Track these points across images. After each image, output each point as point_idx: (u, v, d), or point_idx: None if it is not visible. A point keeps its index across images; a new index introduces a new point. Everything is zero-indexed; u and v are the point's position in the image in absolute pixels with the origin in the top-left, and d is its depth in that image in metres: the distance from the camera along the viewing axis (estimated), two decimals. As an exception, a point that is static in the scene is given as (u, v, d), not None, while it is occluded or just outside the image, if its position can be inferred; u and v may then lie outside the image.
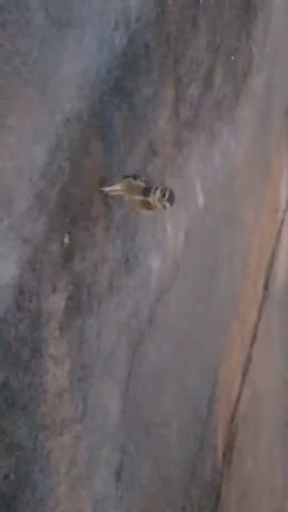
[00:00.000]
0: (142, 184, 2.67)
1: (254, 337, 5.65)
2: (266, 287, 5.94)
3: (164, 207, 2.67)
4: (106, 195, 2.77)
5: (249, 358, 5.52)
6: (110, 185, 2.75)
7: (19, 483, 2.36)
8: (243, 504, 5.73)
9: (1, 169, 2.13)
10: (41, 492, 2.50)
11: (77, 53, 2.49)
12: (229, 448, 5.14)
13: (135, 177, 2.73)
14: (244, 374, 5.43)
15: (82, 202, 2.63)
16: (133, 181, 2.70)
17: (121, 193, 2.73)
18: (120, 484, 3.20)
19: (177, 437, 4.03)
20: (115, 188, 2.74)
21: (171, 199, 2.65)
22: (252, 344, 5.58)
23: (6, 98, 2.11)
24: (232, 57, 4.24)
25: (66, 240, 2.52)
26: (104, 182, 2.75)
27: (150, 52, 3.08)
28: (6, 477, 2.28)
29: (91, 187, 2.69)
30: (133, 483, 3.35)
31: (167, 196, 2.64)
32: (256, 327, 5.70)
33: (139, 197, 2.68)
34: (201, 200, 4.04)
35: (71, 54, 2.45)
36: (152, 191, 2.64)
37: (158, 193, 2.64)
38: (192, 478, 4.33)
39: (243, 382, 5.39)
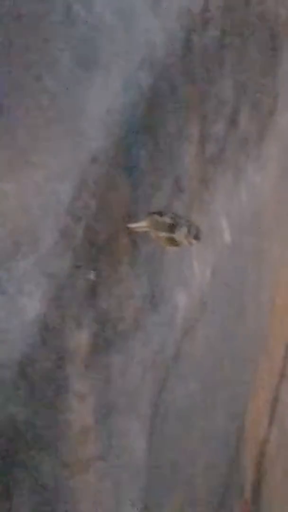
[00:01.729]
0: (168, 221, 2.68)
1: (283, 375, 5.58)
2: (294, 325, 5.89)
3: (190, 243, 2.68)
4: (132, 232, 2.78)
5: (277, 397, 5.46)
6: (136, 221, 2.77)
7: (43, 522, 2.35)
8: None
9: (27, 205, 2.16)
10: (65, 531, 2.48)
11: (102, 92, 2.53)
12: (257, 488, 5.06)
13: (161, 213, 2.74)
14: (272, 413, 5.36)
15: (108, 238, 2.65)
16: (159, 218, 2.71)
17: (147, 229, 2.75)
18: (145, 525, 3.16)
19: (203, 477, 3.98)
20: (141, 225, 2.76)
21: (197, 236, 2.66)
22: (280, 382, 5.52)
23: (33, 136, 2.15)
24: (258, 95, 4.26)
25: (91, 276, 2.53)
26: (130, 218, 2.77)
27: (176, 91, 3.11)
28: (30, 515, 2.28)
29: (117, 224, 2.71)
30: (158, 524, 3.31)
31: (193, 232, 2.65)
32: (284, 365, 5.64)
33: (165, 234, 2.69)
34: (227, 236, 4.04)
35: (97, 93, 2.49)
36: (178, 227, 2.65)
37: (184, 229, 2.65)
38: (219, 520, 4.27)
39: (271, 421, 5.32)
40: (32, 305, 2.20)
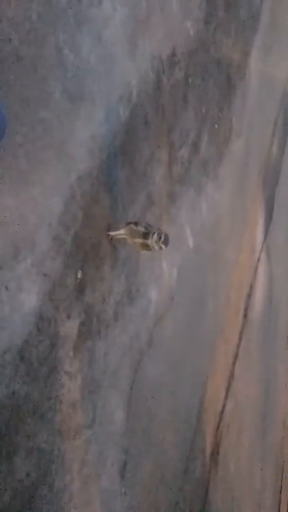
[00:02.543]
0: (142, 229, 2.68)
1: (236, 356, 5.61)
2: (245, 315, 5.91)
3: (161, 248, 2.68)
4: (112, 238, 2.77)
5: (232, 374, 5.47)
6: (115, 229, 2.76)
7: (39, 481, 2.32)
8: (228, 497, 5.63)
9: (26, 216, 2.14)
10: (57, 488, 2.46)
11: (88, 121, 2.52)
12: (215, 450, 5.07)
13: (136, 223, 2.74)
14: (228, 387, 5.38)
15: (92, 244, 2.63)
16: (134, 227, 2.71)
17: (124, 236, 2.74)
18: (124, 482, 3.15)
19: (172, 441, 3.98)
20: (120, 233, 2.75)
21: (166, 242, 2.66)
22: (234, 362, 5.54)
23: (31, 159, 2.13)
24: (216, 126, 4.28)
25: (79, 275, 2.52)
26: (110, 227, 2.76)
27: (148, 121, 3.11)
28: (27, 475, 2.25)
29: (100, 232, 2.70)
30: (135, 481, 3.29)
31: (163, 239, 2.65)
32: (237, 348, 5.66)
33: (139, 240, 2.68)
34: (191, 242, 4.05)
35: (83, 122, 2.48)
36: (151, 235, 2.64)
37: (155, 236, 2.64)
38: (184, 476, 4.26)
39: (227, 394, 5.33)
40: (30, 299, 2.19)
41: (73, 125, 2.39)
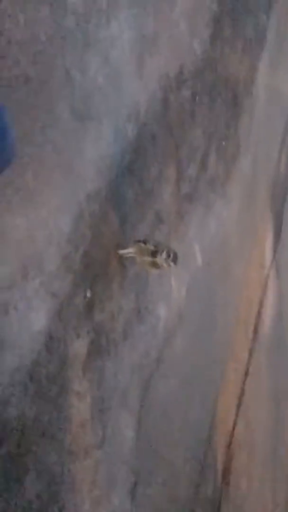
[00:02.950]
0: (151, 248, 2.68)
1: (246, 374, 5.57)
2: (255, 332, 5.88)
3: (170, 266, 2.68)
4: (121, 257, 2.77)
5: (242, 392, 5.43)
6: (124, 248, 2.76)
7: (49, 502, 2.30)
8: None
9: (34, 236, 2.15)
10: (67, 509, 2.43)
11: (96, 141, 2.53)
12: (227, 470, 5.02)
13: (145, 241, 2.74)
14: (239, 405, 5.34)
15: (101, 262, 2.64)
16: (143, 245, 2.71)
17: (133, 255, 2.74)
18: (134, 502, 3.11)
19: (182, 460, 3.94)
20: (129, 251, 2.75)
21: (175, 260, 2.66)
22: (244, 380, 5.50)
23: (40, 178, 2.14)
24: (223, 143, 4.29)
25: (88, 294, 2.51)
26: (119, 245, 2.76)
27: (156, 140, 3.13)
28: (38, 496, 2.23)
29: (109, 250, 2.70)
30: (145, 501, 3.26)
31: (172, 257, 2.65)
32: (248, 365, 5.62)
33: (148, 258, 2.68)
34: (199, 259, 4.04)
35: (91, 142, 2.49)
36: (159, 253, 2.64)
37: (164, 254, 2.64)
38: (195, 497, 4.22)
39: (238, 412, 5.29)
40: (39, 318, 2.18)
41: (81, 145, 2.40)
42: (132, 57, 2.80)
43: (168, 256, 2.65)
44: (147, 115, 2.97)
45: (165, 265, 2.66)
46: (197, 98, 3.68)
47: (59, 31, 2.21)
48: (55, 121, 2.23)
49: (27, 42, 2.05)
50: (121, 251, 2.75)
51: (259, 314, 6.08)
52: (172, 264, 2.67)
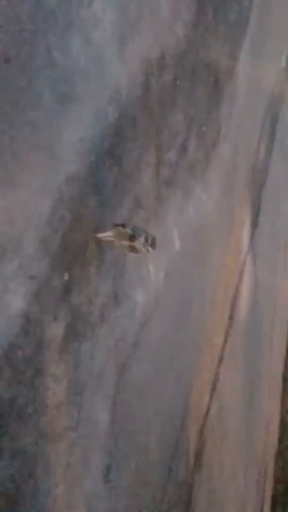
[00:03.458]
0: (129, 232, 2.68)
1: (221, 359, 5.63)
2: (231, 317, 5.94)
3: (148, 251, 2.68)
4: (99, 240, 2.77)
5: (216, 377, 5.49)
6: (103, 232, 2.76)
7: (23, 483, 2.32)
8: (212, 500, 5.65)
9: (13, 218, 2.14)
10: (41, 491, 2.45)
11: (77, 123, 2.52)
12: (199, 453, 5.09)
13: (123, 225, 2.74)
14: (213, 390, 5.40)
15: (79, 246, 2.64)
16: (122, 229, 2.71)
17: (112, 238, 2.74)
18: (108, 484, 3.15)
19: (156, 444, 3.98)
20: (107, 235, 2.75)
21: (153, 245, 2.67)
22: (219, 365, 5.56)
23: (19, 160, 2.13)
24: (204, 128, 4.30)
25: (66, 277, 2.52)
26: (98, 229, 2.76)
27: (137, 124, 3.12)
28: (12, 477, 2.25)
29: (87, 234, 2.70)
30: (119, 483, 3.29)
31: (150, 242, 2.66)
32: (222, 350, 5.68)
33: (126, 242, 2.69)
34: (177, 244, 4.06)
35: (72, 124, 2.48)
36: (138, 237, 2.65)
37: (142, 239, 2.65)
38: (168, 479, 4.27)
39: (211, 396, 5.35)
40: (16, 301, 2.18)
41: (62, 127, 2.39)
42: (114, 38, 2.78)
43: (147, 240, 2.65)
44: (128, 98, 2.96)
45: (143, 249, 2.67)
46: (178, 82, 3.67)
47: (41, 11, 2.18)
48: (36, 102, 2.21)
49: (8, 21, 2.02)
50: (100, 235, 2.75)
51: (235, 299, 6.13)
52: (150, 248, 2.68)
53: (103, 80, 2.71)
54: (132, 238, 2.66)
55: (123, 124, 2.95)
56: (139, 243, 2.65)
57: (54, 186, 2.38)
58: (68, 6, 2.36)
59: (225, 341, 5.73)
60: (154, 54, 3.27)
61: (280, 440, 10.51)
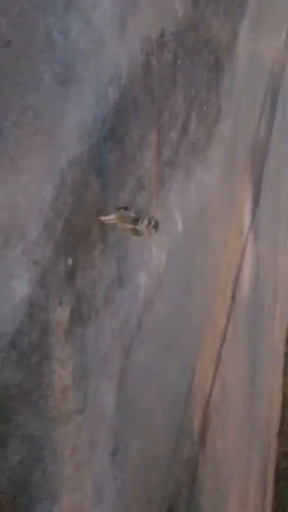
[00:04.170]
0: (132, 215, 2.66)
1: (224, 338, 5.65)
2: (233, 296, 5.95)
3: (151, 233, 2.67)
4: (102, 223, 2.76)
5: (219, 356, 5.52)
6: (105, 215, 2.75)
7: (32, 467, 2.34)
8: (216, 475, 5.71)
9: (16, 203, 2.12)
10: (49, 473, 2.48)
11: (78, 105, 2.49)
12: (204, 431, 5.13)
13: (126, 208, 2.73)
14: (216, 369, 5.42)
15: (83, 229, 2.63)
16: (124, 212, 2.70)
17: (115, 221, 2.73)
18: (114, 465, 3.18)
19: (161, 423, 4.02)
20: (110, 218, 2.74)
21: (156, 227, 2.65)
22: (222, 344, 5.58)
23: (21, 144, 2.11)
24: (204, 107, 4.26)
25: (69, 262, 2.51)
26: (100, 212, 2.75)
27: (138, 104, 3.09)
28: (20, 462, 2.26)
29: (90, 217, 2.69)
30: (125, 463, 3.32)
31: (153, 224, 2.64)
32: (225, 330, 5.70)
33: (129, 225, 2.67)
34: (180, 225, 4.05)
35: (73, 106, 2.45)
36: (141, 220, 2.63)
37: (145, 222, 2.63)
38: (174, 457, 4.31)
39: (214, 376, 5.38)
40: (21, 287, 2.18)
41: (63, 110, 2.37)
42: (113, 19, 2.74)
43: (149, 223, 2.63)
44: (128, 78, 2.93)
45: (146, 232, 2.65)
46: (178, 61, 3.63)
47: (40, -8, 2.15)
48: (37, 86, 2.18)
49: (7, 4, 1.99)
50: (103, 218, 2.74)
51: (237, 278, 6.14)
52: (153, 231, 2.66)
53: (104, 61, 2.68)
54: (135, 221, 2.64)
55: (124, 105, 2.92)
56: (142, 225, 2.63)
57: (56, 170, 2.36)
58: (67, -13, 2.32)
59: (228, 320, 5.75)
60: (154, 33, 3.23)
61: (283, 416, 10.60)
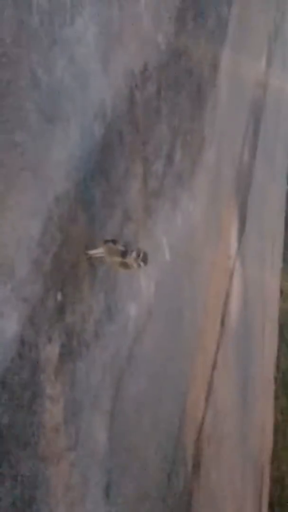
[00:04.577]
0: (120, 248, 2.67)
1: (214, 365, 5.63)
2: (222, 323, 5.95)
3: (139, 266, 2.67)
4: (90, 257, 2.76)
5: (211, 384, 5.50)
6: (93, 248, 2.75)
7: (24, 508, 2.30)
8: (210, 504, 5.65)
9: (4, 241, 2.12)
10: (42, 514, 2.44)
11: (64, 141, 2.51)
12: (197, 462, 5.08)
13: (114, 241, 2.73)
14: (207, 397, 5.40)
15: (71, 264, 2.62)
16: (112, 245, 2.70)
17: (103, 255, 2.73)
18: (108, 501, 3.13)
19: (154, 455, 3.97)
20: (98, 251, 2.74)
21: (145, 260, 2.66)
22: (212, 371, 5.56)
23: (8, 182, 2.11)
24: (188, 137, 4.30)
25: (59, 297, 2.50)
26: (88, 246, 2.75)
27: (123, 137, 3.11)
28: (13, 503, 2.22)
29: (78, 251, 2.68)
30: (119, 500, 3.28)
31: (141, 257, 2.65)
32: (215, 356, 5.69)
33: (118, 259, 2.68)
34: (167, 254, 4.06)
35: (59, 142, 2.47)
36: (129, 253, 2.64)
37: (134, 255, 2.64)
38: (167, 490, 4.26)
39: (206, 404, 5.35)
40: (10, 325, 2.16)
41: (49, 146, 2.38)
42: (97, 54, 2.77)
43: (138, 256, 2.64)
44: (113, 113, 2.95)
45: (135, 265, 2.66)
46: (162, 92, 3.67)
47: (24, 32, 2.17)
48: (22, 123, 2.19)
49: (-8, 44, 2.01)
50: (90, 252, 2.74)
51: (225, 305, 6.14)
52: (142, 264, 2.67)
53: (88, 97, 2.70)
54: (123, 254, 2.65)
55: (109, 139, 2.94)
56: (130, 259, 2.64)
57: (43, 206, 2.36)
58: (50, 25, 2.35)
59: (218, 347, 5.74)
60: (137, 67, 3.27)
61: (275, 442, 10.53)
